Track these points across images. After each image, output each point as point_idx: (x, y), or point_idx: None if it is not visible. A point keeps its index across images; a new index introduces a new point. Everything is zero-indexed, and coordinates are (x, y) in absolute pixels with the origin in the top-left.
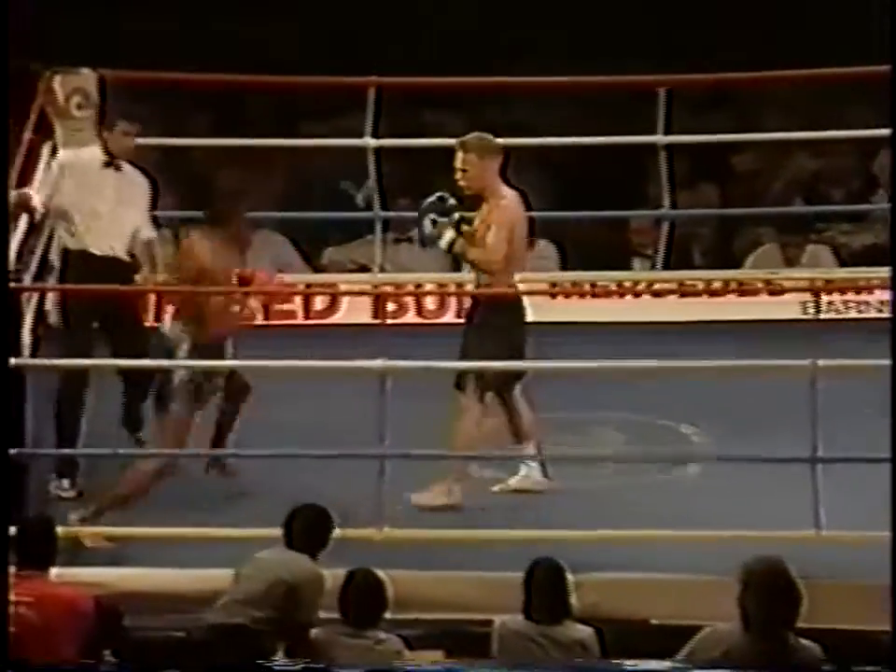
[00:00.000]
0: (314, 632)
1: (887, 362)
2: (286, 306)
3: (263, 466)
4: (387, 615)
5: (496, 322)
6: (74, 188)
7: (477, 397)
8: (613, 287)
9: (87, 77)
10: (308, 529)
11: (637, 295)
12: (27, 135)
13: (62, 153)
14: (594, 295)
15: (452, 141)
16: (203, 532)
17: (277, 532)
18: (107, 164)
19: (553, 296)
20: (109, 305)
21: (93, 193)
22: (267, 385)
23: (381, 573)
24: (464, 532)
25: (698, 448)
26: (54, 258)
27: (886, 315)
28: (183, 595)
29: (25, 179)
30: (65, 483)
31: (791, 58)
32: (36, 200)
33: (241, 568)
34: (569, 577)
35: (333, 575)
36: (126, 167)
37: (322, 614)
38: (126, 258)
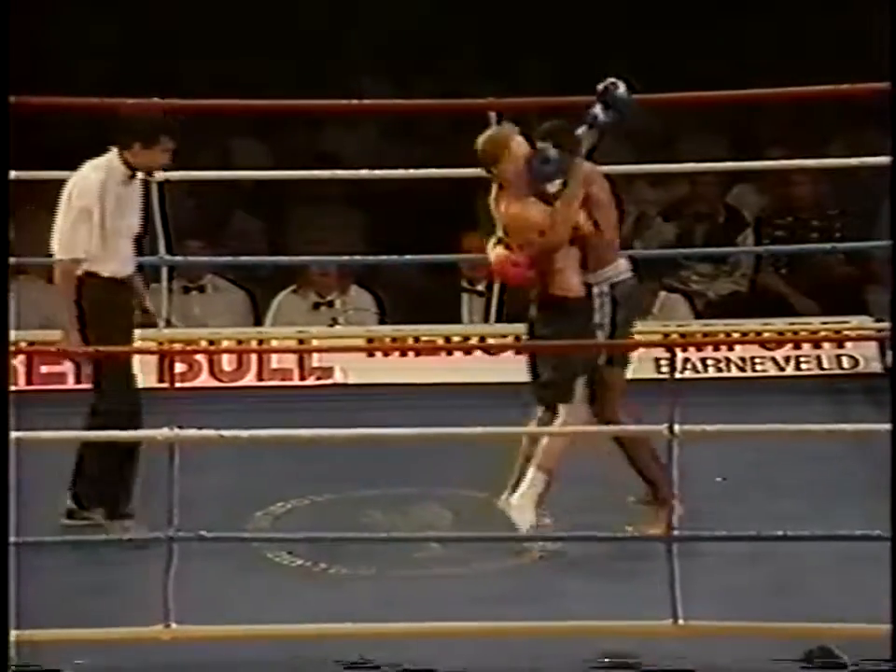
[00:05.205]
0: None
1: (751, 427)
2: (53, 369)
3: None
4: None
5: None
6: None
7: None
8: (441, 343)
9: None
10: None
11: (467, 352)
12: None
13: (94, 170)
14: (417, 352)
15: (247, 173)
16: None
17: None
18: (131, 178)
19: (371, 353)
20: None
21: (125, 212)
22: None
23: None
24: (267, 627)
25: (539, 530)
26: None
27: (748, 374)
28: None
29: None
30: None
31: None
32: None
33: None
34: None
35: None
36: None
37: None
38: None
